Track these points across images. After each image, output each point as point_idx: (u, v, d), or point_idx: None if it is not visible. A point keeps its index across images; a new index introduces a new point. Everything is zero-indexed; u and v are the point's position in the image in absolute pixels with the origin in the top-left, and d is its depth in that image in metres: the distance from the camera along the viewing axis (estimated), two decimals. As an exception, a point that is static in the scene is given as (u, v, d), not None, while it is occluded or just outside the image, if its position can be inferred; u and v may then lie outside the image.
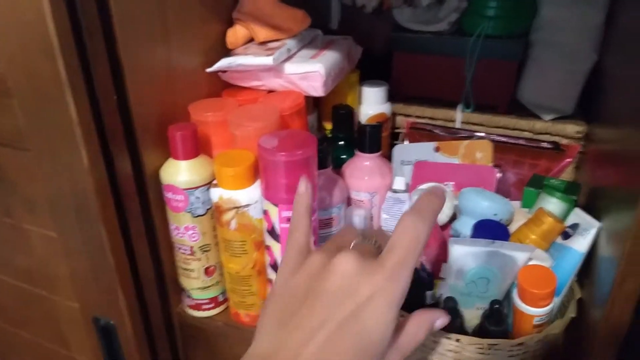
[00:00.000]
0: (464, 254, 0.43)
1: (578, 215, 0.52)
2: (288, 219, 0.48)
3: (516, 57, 0.71)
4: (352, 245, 0.33)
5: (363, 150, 0.60)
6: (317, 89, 0.59)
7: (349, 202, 0.61)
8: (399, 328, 0.31)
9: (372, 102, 0.72)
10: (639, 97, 0.47)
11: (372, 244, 0.33)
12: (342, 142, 0.66)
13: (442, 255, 0.52)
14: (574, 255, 0.49)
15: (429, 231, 0.30)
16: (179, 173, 0.52)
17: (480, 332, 0.46)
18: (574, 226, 0.51)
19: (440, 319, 0.33)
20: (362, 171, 0.60)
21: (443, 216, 0.57)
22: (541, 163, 0.71)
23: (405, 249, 0.29)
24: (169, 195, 0.54)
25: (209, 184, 0.53)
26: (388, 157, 0.69)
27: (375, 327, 0.28)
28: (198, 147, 0.53)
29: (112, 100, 0.49)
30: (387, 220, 0.58)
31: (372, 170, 0.60)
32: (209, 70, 0.59)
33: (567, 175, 0.71)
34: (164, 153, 0.54)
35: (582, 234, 0.49)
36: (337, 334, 0.28)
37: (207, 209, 0.54)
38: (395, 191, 0.59)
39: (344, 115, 0.65)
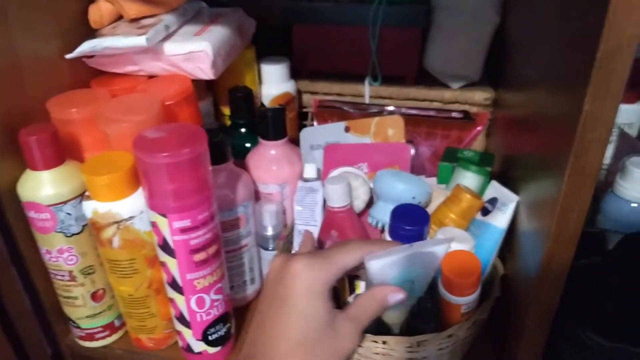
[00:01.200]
0: (383, 267, 0.38)
1: (496, 189, 0.50)
2: (182, 230, 0.41)
3: (420, 24, 0.67)
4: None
5: (267, 138, 0.53)
6: (205, 71, 0.51)
7: (257, 196, 0.55)
8: (353, 303, 0.35)
9: (274, 81, 0.65)
10: (544, 58, 0.45)
11: None
12: (243, 129, 0.59)
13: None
14: (495, 232, 0.47)
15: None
16: (41, 187, 0.43)
17: (408, 329, 0.43)
18: (493, 201, 0.49)
19: (394, 294, 0.35)
20: (268, 161, 0.54)
21: (359, 202, 0.52)
22: (453, 133, 0.69)
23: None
24: (31, 214, 0.44)
25: (81, 196, 0.44)
26: (297, 141, 0.63)
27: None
28: (62, 152, 0.44)
29: None
30: (301, 212, 0.53)
31: (280, 159, 0.54)
32: (69, 56, 0.49)
33: (479, 144, 0.69)
34: (19, 164, 0.44)
35: (502, 209, 0.47)
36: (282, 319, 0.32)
37: (84, 225, 0.45)
38: (306, 180, 0.54)
39: (242, 98, 0.57)
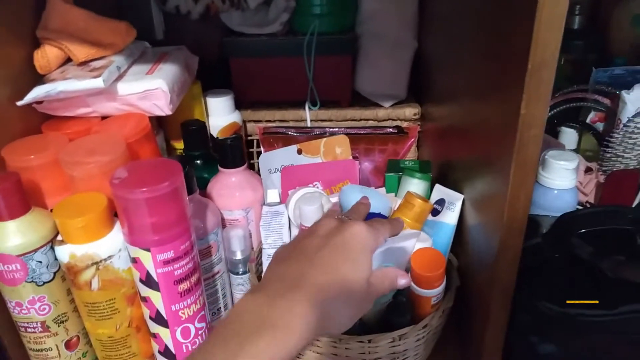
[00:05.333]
0: None
1: (440, 191, 0.56)
2: (165, 262, 0.41)
3: (349, 51, 0.74)
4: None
5: (227, 166, 0.55)
6: (162, 108, 0.52)
7: (223, 223, 0.56)
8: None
9: (220, 113, 0.67)
10: (470, 74, 0.53)
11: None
12: (198, 161, 0.60)
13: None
14: (447, 229, 0.53)
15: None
16: (8, 237, 0.41)
17: (384, 323, 0.46)
18: (440, 202, 0.55)
19: (404, 279, 0.39)
20: (231, 188, 0.56)
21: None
22: (389, 147, 0.76)
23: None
24: (-2, 267, 0.42)
25: (50, 242, 0.43)
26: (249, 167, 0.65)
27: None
28: (27, 200, 0.43)
29: None
30: (269, 235, 0.55)
31: (241, 185, 0.56)
32: (20, 103, 0.48)
33: (411, 153, 0.76)
34: (-22, 216, 0.42)
35: (450, 208, 0.53)
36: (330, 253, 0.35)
37: (55, 272, 0.44)
38: (270, 204, 0.56)
39: (197, 131, 0.59)
